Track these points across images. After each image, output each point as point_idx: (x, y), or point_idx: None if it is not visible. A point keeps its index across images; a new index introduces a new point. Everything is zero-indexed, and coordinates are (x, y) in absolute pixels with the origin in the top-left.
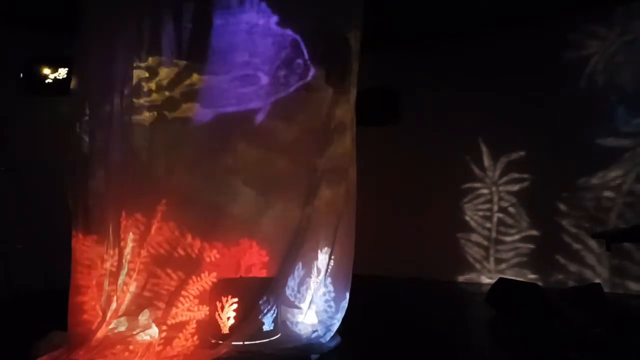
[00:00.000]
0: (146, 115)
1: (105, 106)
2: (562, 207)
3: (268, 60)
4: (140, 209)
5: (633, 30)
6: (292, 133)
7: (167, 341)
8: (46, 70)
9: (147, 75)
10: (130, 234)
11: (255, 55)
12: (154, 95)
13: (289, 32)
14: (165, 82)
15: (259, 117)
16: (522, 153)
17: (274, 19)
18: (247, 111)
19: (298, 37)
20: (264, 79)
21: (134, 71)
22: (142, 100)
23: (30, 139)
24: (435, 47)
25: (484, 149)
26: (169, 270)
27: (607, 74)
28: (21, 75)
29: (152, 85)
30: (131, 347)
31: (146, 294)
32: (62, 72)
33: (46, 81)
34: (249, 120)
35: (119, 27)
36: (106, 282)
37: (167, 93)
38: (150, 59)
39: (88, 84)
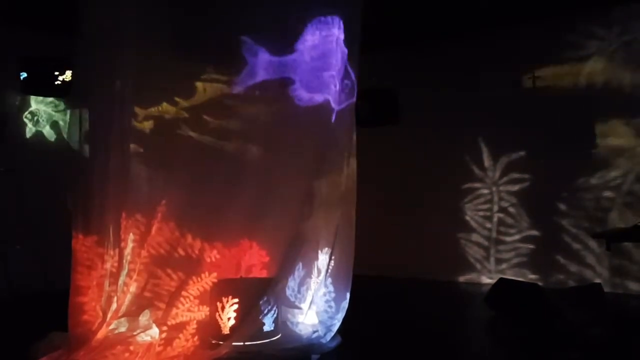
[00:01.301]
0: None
1: (105, 107)
2: (562, 207)
3: (339, 70)
4: (140, 210)
5: (632, 30)
6: (295, 135)
7: (167, 342)
8: (51, 72)
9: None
10: (131, 234)
11: (336, 64)
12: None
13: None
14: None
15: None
16: (522, 153)
17: (343, 36)
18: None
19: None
20: (338, 86)
21: (212, 84)
22: (218, 121)
23: (30, 139)
24: (435, 47)
25: (484, 149)
26: (169, 271)
27: (607, 74)
28: (25, 75)
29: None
30: (131, 348)
31: (146, 294)
32: (69, 74)
33: (55, 83)
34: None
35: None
36: (106, 283)
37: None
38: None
39: (88, 85)
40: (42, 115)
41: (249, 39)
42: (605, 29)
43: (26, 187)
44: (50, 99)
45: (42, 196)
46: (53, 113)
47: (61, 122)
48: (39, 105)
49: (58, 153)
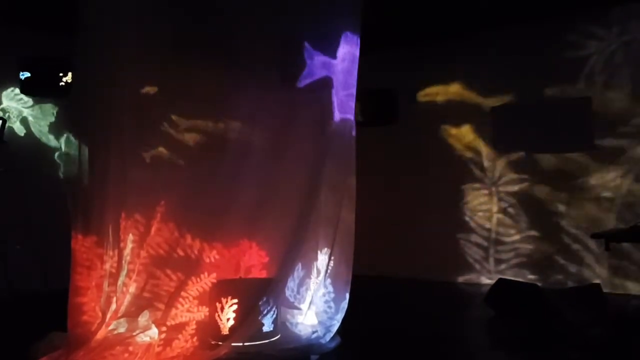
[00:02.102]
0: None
1: (105, 107)
2: (562, 207)
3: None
4: (139, 210)
5: (632, 30)
6: (296, 137)
7: (166, 342)
8: (54, 73)
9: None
10: (130, 235)
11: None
12: None
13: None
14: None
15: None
16: (522, 153)
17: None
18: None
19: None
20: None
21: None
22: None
23: (30, 139)
24: (435, 47)
25: (484, 149)
26: (168, 271)
27: (606, 74)
28: (28, 75)
29: None
30: (131, 349)
31: (146, 295)
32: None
33: (60, 84)
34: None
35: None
36: (106, 283)
37: None
38: None
39: (88, 85)
40: (12, 111)
41: (307, 44)
42: (605, 29)
43: (26, 187)
44: (20, 95)
45: (42, 196)
46: (23, 109)
47: (30, 118)
48: (10, 102)
49: (28, 148)
